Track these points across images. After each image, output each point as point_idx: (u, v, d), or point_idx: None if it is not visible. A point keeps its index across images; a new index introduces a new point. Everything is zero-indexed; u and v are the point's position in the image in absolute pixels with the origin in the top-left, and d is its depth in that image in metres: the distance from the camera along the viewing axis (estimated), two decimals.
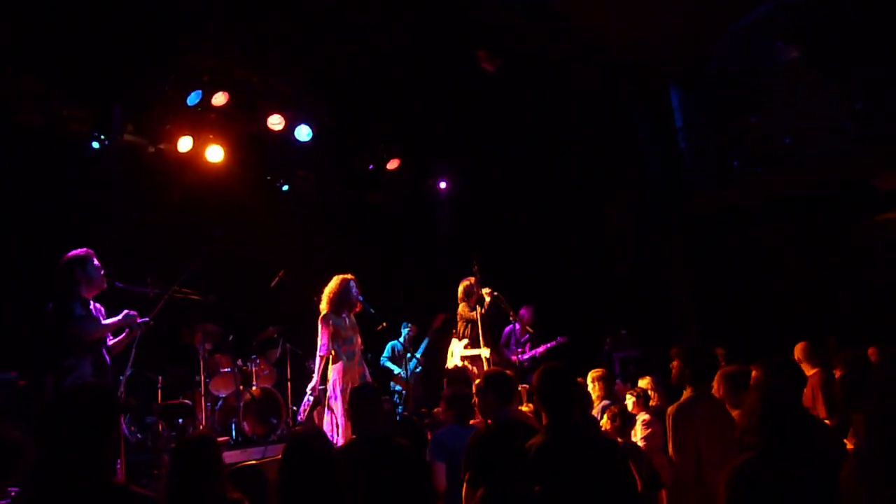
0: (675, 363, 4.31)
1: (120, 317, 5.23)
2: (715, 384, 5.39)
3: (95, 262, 5.29)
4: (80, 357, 5.03)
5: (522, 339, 9.14)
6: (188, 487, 3.06)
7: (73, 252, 5.26)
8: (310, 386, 6.38)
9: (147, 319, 5.40)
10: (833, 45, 9.54)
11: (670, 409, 4.08)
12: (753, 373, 3.83)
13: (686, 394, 4.11)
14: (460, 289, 8.05)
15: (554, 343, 9.12)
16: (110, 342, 5.32)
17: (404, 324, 9.46)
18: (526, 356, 9.00)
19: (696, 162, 11.13)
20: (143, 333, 5.42)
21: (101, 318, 5.32)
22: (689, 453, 3.86)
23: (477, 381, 4.49)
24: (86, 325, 5.06)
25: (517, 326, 9.02)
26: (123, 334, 5.35)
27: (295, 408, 8.32)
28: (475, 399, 4.35)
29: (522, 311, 9.23)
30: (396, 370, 9.35)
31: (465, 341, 7.93)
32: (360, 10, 7.97)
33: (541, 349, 9.12)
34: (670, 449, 3.96)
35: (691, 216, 10.73)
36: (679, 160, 11.14)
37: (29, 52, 6.95)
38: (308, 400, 6.39)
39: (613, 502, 3.21)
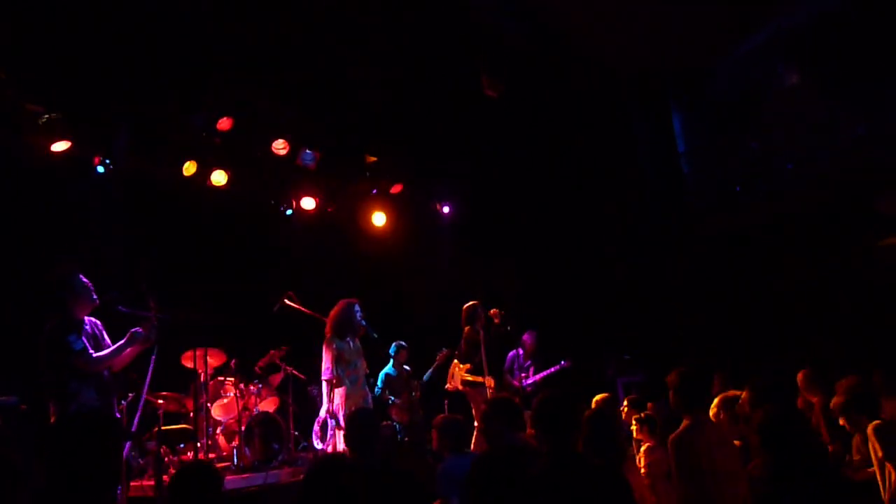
0: (671, 392, 4.27)
1: (124, 340, 5.19)
2: (714, 409, 5.38)
3: (80, 278, 5.21)
4: (82, 382, 5.00)
5: (525, 365, 9.09)
6: None
7: (56, 271, 5.22)
8: (322, 410, 6.32)
9: (154, 325, 5.36)
10: (834, 69, 9.60)
11: (672, 437, 4.04)
12: (742, 394, 3.82)
13: (685, 422, 4.07)
14: (464, 311, 8.04)
15: (557, 367, 9.01)
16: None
17: (393, 345, 9.40)
18: (529, 381, 8.96)
19: (698, 186, 11.15)
20: (157, 340, 5.38)
21: (101, 336, 5.30)
22: (693, 481, 3.83)
23: (482, 407, 4.45)
24: (86, 359, 4.98)
25: (520, 352, 9.00)
26: (135, 346, 5.29)
27: (297, 433, 8.28)
28: (480, 426, 4.33)
29: (525, 337, 9.17)
30: (392, 399, 9.27)
31: (468, 365, 7.91)
32: (364, 36, 8.04)
33: (543, 374, 9.03)
34: (674, 478, 3.93)
35: (694, 239, 10.74)
36: (681, 184, 11.17)
37: (33, 73, 7.00)
38: (320, 425, 6.32)
39: None
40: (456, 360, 8.21)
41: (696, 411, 4.05)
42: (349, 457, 5.70)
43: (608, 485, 3.27)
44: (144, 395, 5.50)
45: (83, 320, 5.24)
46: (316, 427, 6.35)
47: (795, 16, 9.75)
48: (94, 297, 5.26)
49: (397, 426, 9.01)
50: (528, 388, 8.88)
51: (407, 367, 9.41)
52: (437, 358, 9.10)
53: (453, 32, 8.41)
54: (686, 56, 9.91)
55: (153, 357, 5.45)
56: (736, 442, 4.52)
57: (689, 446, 3.91)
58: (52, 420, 5.04)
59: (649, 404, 6.90)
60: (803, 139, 10.05)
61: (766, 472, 3.05)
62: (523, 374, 8.96)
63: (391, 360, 9.30)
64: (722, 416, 5.28)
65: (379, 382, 9.24)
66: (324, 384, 6.32)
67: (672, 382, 4.16)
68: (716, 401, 5.43)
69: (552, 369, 9.00)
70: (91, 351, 5.04)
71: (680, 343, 10.35)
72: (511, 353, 9.08)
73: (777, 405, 3.29)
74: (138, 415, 5.48)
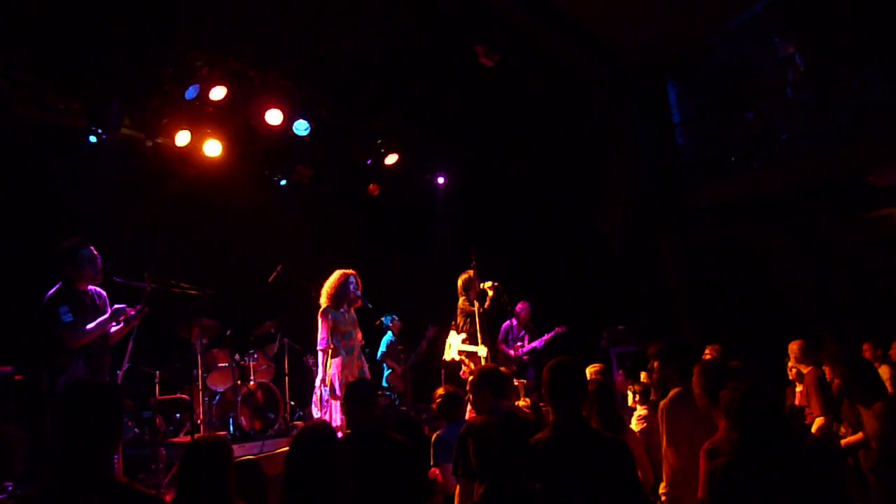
0: (654, 363, 4.29)
1: (107, 315, 5.16)
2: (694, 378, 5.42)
3: (87, 251, 5.19)
4: (71, 355, 5.00)
5: (520, 335, 9.17)
6: (199, 489, 3.06)
7: (65, 243, 5.19)
8: (318, 380, 6.35)
9: (139, 307, 5.33)
10: (830, 41, 9.56)
11: (662, 404, 4.05)
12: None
13: (675, 391, 4.07)
14: (459, 282, 8.05)
15: (553, 334, 9.17)
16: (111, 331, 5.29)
17: (386, 316, 9.45)
18: (525, 349, 9.08)
19: (693, 157, 11.14)
20: (140, 322, 5.38)
21: (105, 306, 5.30)
22: (683, 447, 3.83)
23: (470, 377, 4.50)
24: (71, 333, 4.96)
25: (514, 322, 9.07)
26: (120, 325, 5.29)
27: (293, 402, 8.34)
28: (468, 395, 4.37)
29: (519, 307, 9.24)
30: (388, 371, 9.36)
31: (464, 335, 7.94)
32: (358, 4, 7.94)
33: (540, 341, 9.17)
34: (664, 444, 3.93)
35: (688, 210, 10.75)
36: (676, 155, 11.15)
37: (24, 44, 6.91)
38: (318, 394, 6.36)
39: (618, 500, 3.18)
40: (453, 331, 8.25)
41: (684, 382, 4.03)
42: (345, 425, 5.79)
43: (616, 456, 3.26)
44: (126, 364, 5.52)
45: (85, 291, 5.22)
46: (314, 396, 6.39)
47: None
48: (99, 268, 5.25)
49: (393, 395, 9.10)
50: (525, 357, 9.02)
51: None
52: (427, 333, 9.18)
53: (451, 21, 8.34)
54: (681, 28, 9.83)
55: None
56: None
57: (678, 414, 3.91)
58: (44, 390, 5.06)
59: (643, 374, 6.96)
60: (798, 110, 10.03)
61: (730, 448, 3.03)
62: (518, 344, 9.05)
63: (388, 331, 9.39)
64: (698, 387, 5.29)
65: (382, 347, 9.36)
66: (319, 354, 6.35)
67: (655, 353, 4.17)
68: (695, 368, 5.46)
69: (548, 336, 9.16)
70: (79, 325, 5.01)
71: (675, 313, 10.42)
72: (505, 324, 9.17)
73: (742, 382, 3.27)
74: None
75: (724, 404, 3.14)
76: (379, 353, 9.36)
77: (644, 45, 10.02)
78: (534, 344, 9.16)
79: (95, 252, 5.26)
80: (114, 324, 5.23)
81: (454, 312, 8.11)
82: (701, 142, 11.08)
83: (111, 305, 5.29)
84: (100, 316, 5.18)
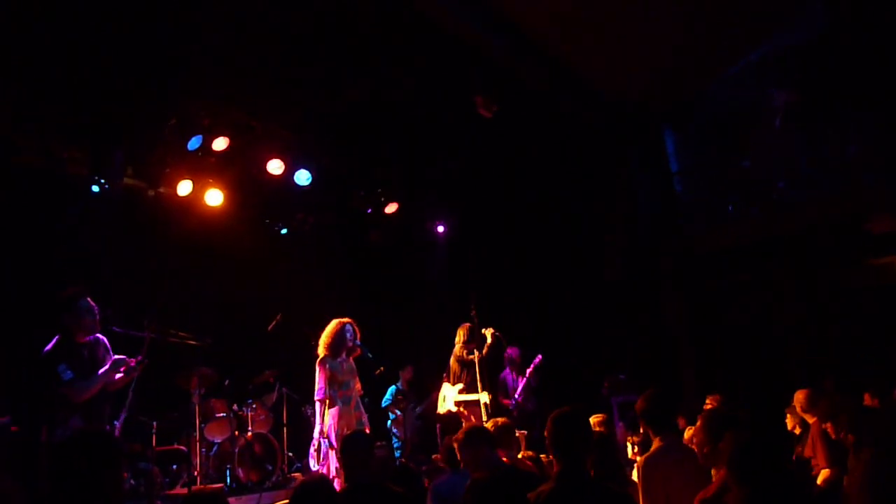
0: (641, 422, 4.23)
1: (107, 366, 5.15)
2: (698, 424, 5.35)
3: (85, 302, 5.18)
4: (70, 410, 4.98)
5: (517, 383, 9.06)
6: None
7: (63, 293, 5.19)
8: (316, 431, 6.28)
9: (140, 358, 5.33)
10: (826, 90, 9.69)
11: (639, 461, 3.95)
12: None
13: (655, 444, 3.97)
14: (462, 332, 8.03)
15: (532, 367, 8.79)
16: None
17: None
18: (518, 391, 8.85)
19: (691, 205, 11.22)
20: (140, 374, 5.36)
21: (108, 354, 5.27)
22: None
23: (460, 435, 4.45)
24: (73, 390, 4.95)
25: (509, 370, 9.00)
26: (119, 375, 5.24)
27: (291, 454, 8.24)
28: (460, 452, 4.33)
29: (510, 351, 9.09)
30: (397, 413, 9.30)
31: (460, 386, 7.89)
32: (359, 58, 8.09)
33: (524, 379, 8.86)
34: (640, 502, 3.79)
35: (687, 259, 10.78)
36: (674, 203, 11.23)
37: (29, 93, 7.01)
38: (315, 445, 6.28)
39: None
40: (446, 383, 8.20)
41: (665, 434, 3.96)
42: (341, 477, 5.71)
43: None
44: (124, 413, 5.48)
45: (83, 343, 5.20)
46: (311, 449, 6.31)
47: (787, 37, 9.87)
48: (97, 319, 5.24)
49: (396, 443, 9.01)
50: (519, 399, 8.77)
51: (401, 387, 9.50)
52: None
53: (451, 73, 8.49)
54: (678, 77, 9.99)
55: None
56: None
57: (655, 469, 3.81)
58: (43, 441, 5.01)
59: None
60: (795, 159, 10.13)
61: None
62: (517, 394, 8.92)
63: (399, 378, 9.39)
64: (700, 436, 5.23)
65: (388, 395, 9.32)
66: (317, 404, 6.30)
67: (640, 407, 4.07)
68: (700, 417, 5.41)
69: (529, 369, 8.83)
70: (79, 381, 4.98)
71: (675, 362, 10.36)
72: (502, 375, 9.09)
73: (744, 432, 3.22)
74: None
75: (727, 454, 3.10)
76: (385, 401, 9.31)
77: (641, 94, 10.16)
78: (521, 383, 8.87)
79: (93, 303, 5.24)
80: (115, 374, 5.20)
81: (446, 363, 8.07)
82: (699, 190, 11.16)
83: (112, 353, 5.28)
84: (99, 367, 5.15)
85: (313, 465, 6.20)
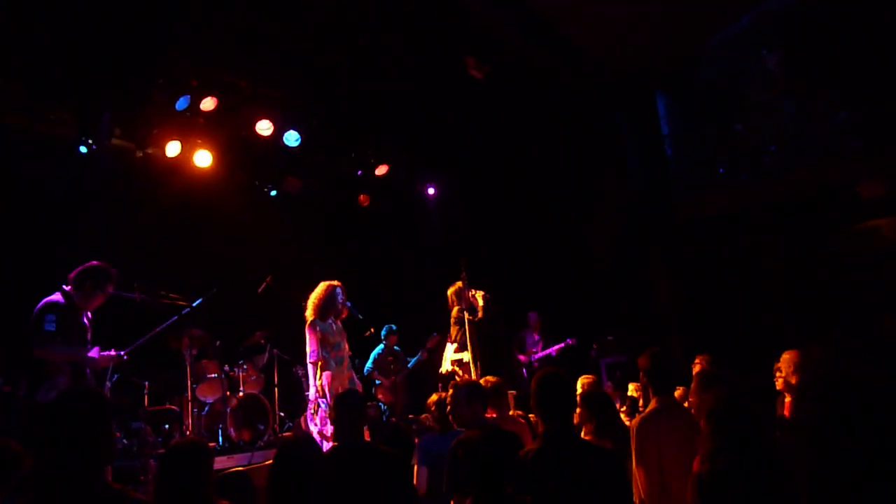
0: (642, 376, 4.26)
1: (84, 348, 5.22)
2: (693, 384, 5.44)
3: (101, 281, 5.27)
4: (60, 365, 5.02)
5: (535, 342, 9.78)
6: (177, 493, 3.06)
7: (101, 264, 5.32)
8: (311, 392, 6.31)
9: (122, 354, 5.41)
10: (817, 54, 9.65)
11: (633, 422, 4.00)
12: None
13: (651, 405, 4.02)
14: (450, 293, 8.06)
15: (563, 344, 9.66)
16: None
17: (385, 328, 9.49)
18: (539, 355, 9.64)
19: (681, 169, 11.21)
20: (116, 364, 5.45)
21: (86, 331, 5.32)
22: (652, 466, 3.79)
23: (450, 391, 4.50)
24: (45, 342, 4.96)
25: (529, 331, 9.84)
26: (96, 360, 5.30)
27: (282, 414, 8.32)
28: (450, 408, 4.39)
29: (531, 315, 9.98)
30: (377, 383, 9.36)
31: (456, 345, 7.94)
32: (349, 16, 7.99)
33: (553, 349, 9.68)
34: (633, 464, 3.86)
35: (676, 223, 10.81)
36: (665, 167, 11.22)
37: (15, 54, 6.91)
38: (312, 408, 6.32)
39: None
40: (448, 343, 8.27)
41: (663, 394, 4.02)
42: (333, 437, 5.78)
43: (606, 465, 3.27)
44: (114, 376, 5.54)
45: (83, 311, 5.27)
46: (308, 412, 6.35)
47: (779, 1, 9.79)
48: (102, 299, 5.32)
49: (383, 406, 9.09)
50: (535, 364, 9.33)
51: (398, 348, 9.52)
52: (428, 342, 9.20)
53: (441, 34, 8.40)
54: (669, 41, 9.90)
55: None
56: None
57: (649, 429, 3.87)
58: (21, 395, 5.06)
59: (632, 385, 6.99)
60: (786, 122, 10.12)
61: (712, 457, 3.06)
62: (533, 350, 9.51)
63: (382, 343, 9.40)
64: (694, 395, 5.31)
65: (368, 363, 9.34)
66: (310, 367, 6.32)
67: (644, 365, 4.12)
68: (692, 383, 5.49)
69: (560, 345, 9.65)
70: (57, 337, 4.99)
71: (663, 325, 10.45)
72: (521, 333, 9.91)
73: (728, 389, 3.29)
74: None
75: (706, 410, 3.18)
76: (366, 369, 9.33)
77: (633, 57, 10.08)
78: (548, 351, 9.66)
79: (111, 289, 5.35)
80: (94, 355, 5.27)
81: (449, 324, 8.13)
82: (690, 154, 11.14)
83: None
84: (83, 333, 5.22)
85: (312, 426, 6.25)
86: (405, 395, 9.38)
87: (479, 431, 3.98)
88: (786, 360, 6.22)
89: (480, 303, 7.84)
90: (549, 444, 3.28)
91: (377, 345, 9.44)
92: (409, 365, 9.39)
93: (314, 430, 6.17)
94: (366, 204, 10.55)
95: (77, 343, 5.19)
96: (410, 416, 8.68)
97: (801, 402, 4.52)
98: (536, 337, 9.96)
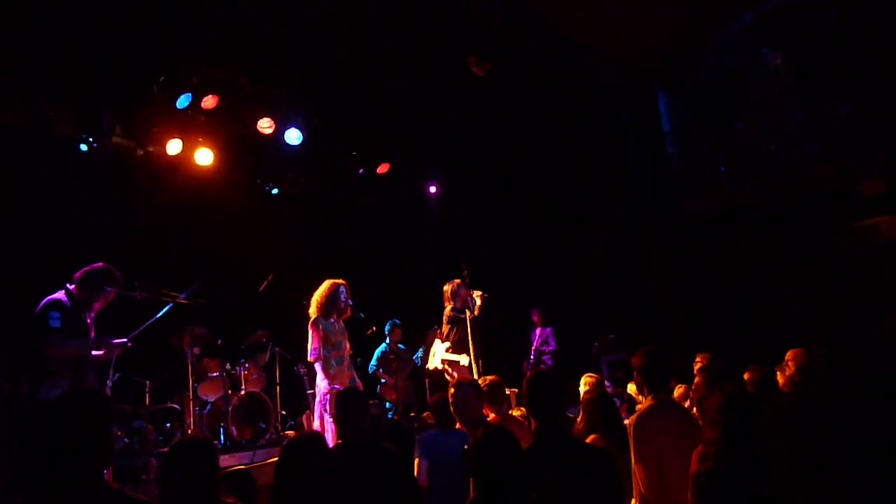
0: (636, 375, 4.24)
1: (89, 340, 5.24)
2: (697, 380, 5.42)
3: (104, 282, 5.29)
4: (62, 364, 5.01)
5: (545, 337, 10.02)
6: (184, 490, 3.05)
7: (107, 266, 5.34)
8: (324, 387, 6.29)
9: (125, 341, 5.43)
10: (818, 52, 9.64)
11: (630, 420, 3.97)
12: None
13: (647, 402, 4.00)
14: (446, 290, 8.05)
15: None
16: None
17: (388, 323, 9.47)
18: (550, 347, 9.94)
19: (683, 167, 11.20)
20: (120, 353, 5.46)
21: (89, 330, 5.31)
22: (651, 463, 3.76)
23: (451, 390, 4.50)
24: (51, 339, 4.97)
25: (539, 328, 10.08)
26: (101, 352, 5.32)
27: (284, 412, 8.31)
28: (451, 405, 4.40)
29: (534, 312, 10.22)
30: (382, 381, 9.33)
31: (448, 344, 7.92)
32: (351, 15, 7.97)
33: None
34: (632, 461, 3.83)
35: (678, 220, 10.80)
36: (666, 166, 11.21)
37: (14, 52, 6.90)
38: (319, 408, 6.30)
39: None
40: (437, 340, 8.26)
41: (658, 392, 3.99)
42: (336, 435, 5.76)
43: (597, 464, 3.30)
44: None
45: (87, 309, 5.28)
46: (317, 409, 6.33)
47: None
48: (104, 302, 5.33)
49: (388, 405, 9.07)
50: (546, 360, 9.85)
51: (402, 346, 9.50)
52: (430, 338, 9.17)
53: (443, 34, 8.39)
54: (671, 39, 9.90)
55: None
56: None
57: (646, 427, 3.84)
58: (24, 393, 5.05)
59: (632, 384, 6.99)
60: (787, 121, 10.11)
61: (714, 456, 3.07)
62: (546, 348, 9.79)
63: (386, 339, 9.38)
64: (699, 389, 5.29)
65: (373, 361, 9.32)
66: (316, 364, 6.29)
67: (637, 363, 4.09)
68: (696, 380, 5.49)
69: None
70: (62, 334, 5.00)
71: (664, 323, 10.45)
72: (535, 331, 10.10)
73: (734, 385, 3.30)
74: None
75: (708, 406, 3.19)
76: (371, 367, 9.31)
77: (634, 56, 10.08)
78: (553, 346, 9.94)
79: (111, 288, 5.35)
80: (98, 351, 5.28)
81: (440, 321, 8.13)
82: (691, 152, 11.14)
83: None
84: (86, 332, 5.22)
85: (317, 425, 6.23)
86: (411, 393, 9.37)
87: (493, 429, 3.98)
88: (794, 357, 6.23)
89: (478, 302, 7.83)
90: (540, 442, 3.34)
91: (380, 344, 9.42)
92: (415, 358, 9.41)
93: (327, 427, 6.14)
94: (367, 202, 10.55)
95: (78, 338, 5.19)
96: (412, 413, 8.68)
97: (803, 401, 4.51)
98: (539, 331, 10.11)
